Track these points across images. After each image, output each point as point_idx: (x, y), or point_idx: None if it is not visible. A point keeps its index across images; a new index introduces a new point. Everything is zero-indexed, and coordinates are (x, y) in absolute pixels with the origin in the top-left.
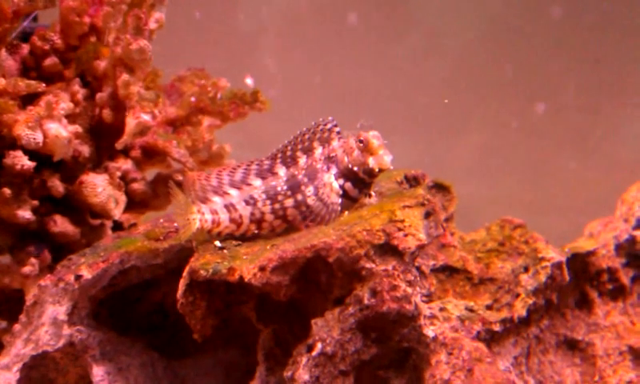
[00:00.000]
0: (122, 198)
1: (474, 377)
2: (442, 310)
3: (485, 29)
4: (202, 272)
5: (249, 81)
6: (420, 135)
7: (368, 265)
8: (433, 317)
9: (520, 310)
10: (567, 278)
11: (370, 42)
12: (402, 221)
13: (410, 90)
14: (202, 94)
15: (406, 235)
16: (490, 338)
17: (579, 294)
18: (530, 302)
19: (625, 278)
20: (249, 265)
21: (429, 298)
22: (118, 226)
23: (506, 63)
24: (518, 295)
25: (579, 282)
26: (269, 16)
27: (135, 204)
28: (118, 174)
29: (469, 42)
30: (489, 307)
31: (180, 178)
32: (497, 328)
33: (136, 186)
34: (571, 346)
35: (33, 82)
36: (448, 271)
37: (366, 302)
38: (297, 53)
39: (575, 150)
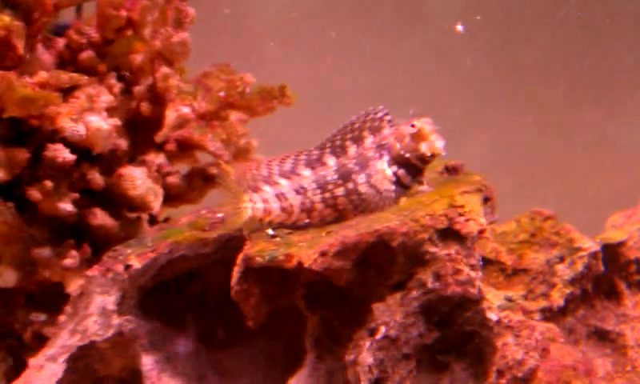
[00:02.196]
0: (160, 191)
1: (550, 355)
2: None
3: (497, 20)
4: (258, 259)
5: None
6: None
7: (431, 249)
8: None
9: (558, 299)
10: (602, 268)
11: (380, 38)
12: (463, 206)
13: (422, 85)
14: (231, 89)
15: (467, 220)
16: None
17: (608, 285)
18: (568, 291)
19: None
20: (308, 250)
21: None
22: (153, 221)
23: (521, 58)
24: (554, 285)
25: (608, 273)
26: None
27: (170, 197)
28: (155, 166)
29: (482, 36)
30: (524, 297)
31: (214, 171)
32: (536, 317)
33: (172, 179)
34: (602, 336)
35: (75, 74)
36: (482, 262)
37: (429, 285)
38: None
39: (590, 144)
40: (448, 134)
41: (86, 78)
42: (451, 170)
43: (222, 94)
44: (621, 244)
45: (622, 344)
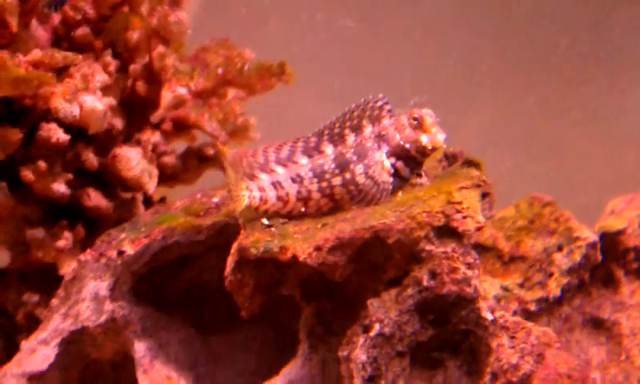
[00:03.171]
0: (155, 172)
1: (545, 362)
2: None
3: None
4: (253, 250)
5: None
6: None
7: (428, 247)
8: None
9: (555, 289)
10: (600, 258)
11: (378, 12)
12: (460, 202)
13: (421, 61)
14: (230, 66)
15: (465, 217)
16: (526, 318)
17: (605, 272)
18: (565, 281)
19: None
20: (302, 244)
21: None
22: (147, 201)
23: (523, 35)
24: (551, 274)
25: (606, 261)
26: None
27: (165, 178)
28: (150, 146)
29: (481, 14)
30: (520, 286)
31: (210, 151)
32: (532, 308)
33: (167, 159)
34: (597, 324)
35: (70, 53)
36: (478, 249)
37: (425, 283)
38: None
39: (591, 125)
40: (448, 114)
41: (80, 57)
42: (450, 158)
43: (220, 70)
44: (619, 232)
45: (617, 333)
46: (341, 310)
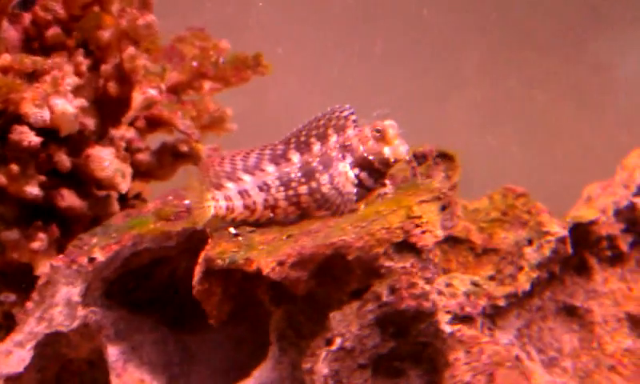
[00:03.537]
0: (128, 171)
1: (496, 382)
2: (448, 285)
3: None
4: (219, 261)
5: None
6: (416, 91)
7: (387, 263)
8: (440, 293)
9: (524, 284)
10: (570, 251)
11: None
12: (420, 217)
13: (405, 41)
14: (204, 59)
15: (423, 232)
16: (495, 313)
17: (578, 260)
18: (534, 276)
19: (624, 244)
20: (267, 258)
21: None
22: (123, 197)
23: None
24: (521, 268)
25: (579, 250)
26: None
27: (140, 174)
28: (123, 144)
29: None
30: (492, 278)
31: (185, 148)
32: (502, 303)
33: (141, 156)
34: (570, 312)
35: (39, 58)
36: (451, 241)
37: (384, 299)
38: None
39: (575, 103)
40: (432, 97)
41: (49, 61)
42: (420, 157)
43: (194, 64)
44: (592, 223)
45: (590, 320)
46: (310, 314)
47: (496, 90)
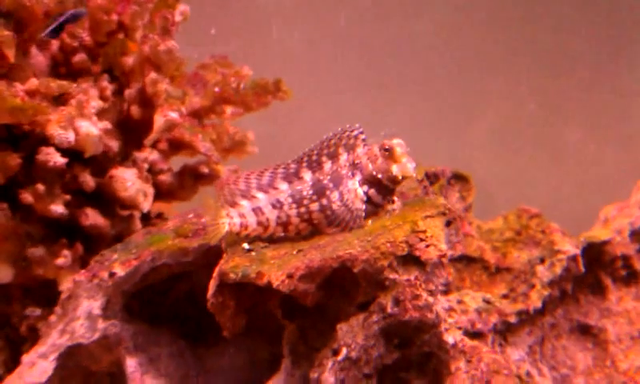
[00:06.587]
0: (150, 191)
1: None
2: (459, 302)
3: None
4: (232, 275)
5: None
6: (435, 115)
7: (391, 275)
8: (450, 309)
9: (536, 301)
10: (582, 269)
11: (384, 22)
12: (424, 231)
13: (423, 69)
14: (226, 85)
15: (427, 246)
16: (506, 330)
17: (593, 279)
18: (546, 293)
19: (638, 264)
20: (277, 271)
21: (446, 287)
22: (145, 216)
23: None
24: (533, 286)
25: (593, 269)
26: None
27: (162, 195)
28: (146, 166)
29: (481, 20)
30: (505, 296)
31: (205, 170)
32: (513, 320)
33: (163, 177)
34: (584, 331)
35: (64, 82)
36: (465, 260)
37: (389, 310)
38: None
39: (591, 129)
40: (449, 120)
41: (75, 85)
42: (432, 177)
43: (217, 89)
44: (606, 243)
45: (604, 339)
46: (320, 327)
47: (516, 114)
